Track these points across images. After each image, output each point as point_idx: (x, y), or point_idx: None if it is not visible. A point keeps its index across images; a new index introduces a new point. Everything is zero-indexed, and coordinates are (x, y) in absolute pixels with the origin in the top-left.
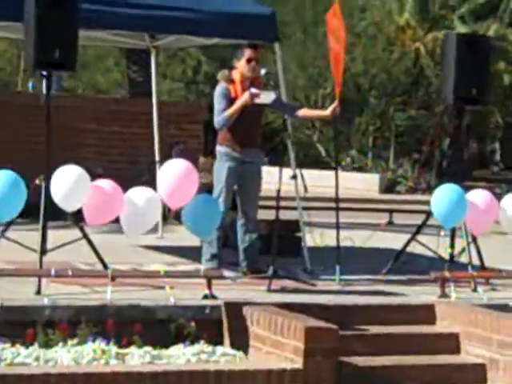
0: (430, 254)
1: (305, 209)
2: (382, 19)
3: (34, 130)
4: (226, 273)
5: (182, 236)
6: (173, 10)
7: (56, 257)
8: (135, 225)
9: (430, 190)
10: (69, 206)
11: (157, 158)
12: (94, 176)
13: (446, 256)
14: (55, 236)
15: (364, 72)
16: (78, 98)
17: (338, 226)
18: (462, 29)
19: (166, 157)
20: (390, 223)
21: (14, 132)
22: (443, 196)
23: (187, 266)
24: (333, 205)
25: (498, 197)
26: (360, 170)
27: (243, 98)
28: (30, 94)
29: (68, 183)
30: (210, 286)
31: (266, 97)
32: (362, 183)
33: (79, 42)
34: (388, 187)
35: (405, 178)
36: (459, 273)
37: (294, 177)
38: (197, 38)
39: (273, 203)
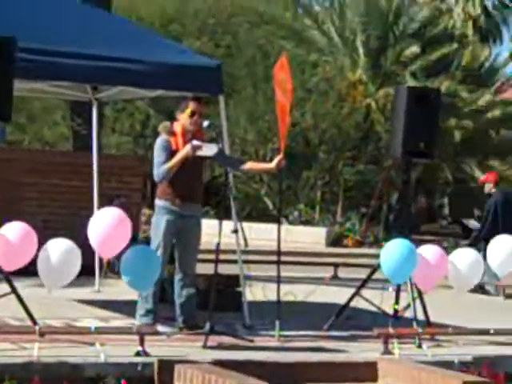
0: (374, 309)
1: (246, 262)
2: (333, 75)
3: None
4: (161, 328)
5: (120, 290)
6: (115, 61)
7: None
8: (52, 277)
9: (377, 243)
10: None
11: (95, 210)
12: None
13: (391, 311)
14: None
15: (314, 126)
16: (17, 151)
17: (278, 280)
18: (413, 84)
19: None
20: (335, 277)
21: None
22: (393, 251)
23: (122, 321)
24: (275, 258)
25: (446, 250)
26: (307, 223)
27: (184, 151)
28: None
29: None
30: (142, 342)
31: (208, 149)
32: (310, 237)
33: (19, 93)
34: (335, 241)
35: (352, 232)
36: (403, 329)
37: (235, 231)
38: (140, 89)
39: (213, 256)
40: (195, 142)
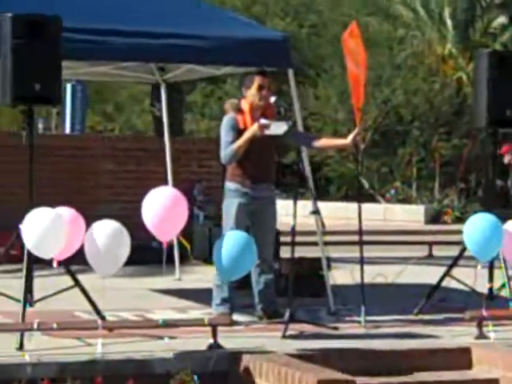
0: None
1: (329, 244)
2: (422, 50)
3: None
4: (240, 317)
5: (201, 277)
6: (178, 38)
7: (56, 305)
8: (103, 263)
9: None
10: (42, 253)
11: None
12: None
13: (485, 291)
14: (52, 282)
15: (406, 103)
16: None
17: (361, 261)
18: None
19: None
20: (430, 256)
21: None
22: (475, 226)
23: (200, 311)
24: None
25: None
26: (405, 201)
27: (252, 130)
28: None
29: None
30: (215, 334)
31: (277, 128)
32: (408, 215)
33: (83, 78)
34: (434, 218)
35: (451, 208)
36: (498, 311)
37: (315, 212)
38: (206, 68)
39: (298, 239)
40: (263, 121)
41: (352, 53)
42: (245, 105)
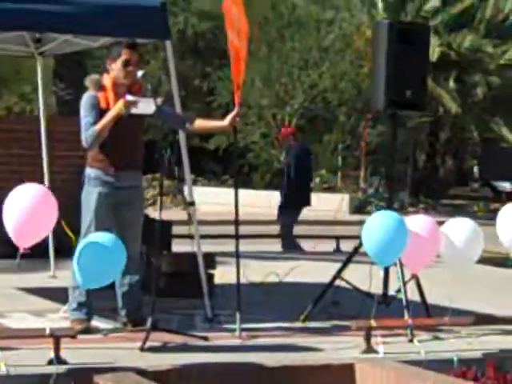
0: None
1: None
2: (351, 32)
3: None
4: (101, 323)
5: None
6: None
7: None
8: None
9: (403, 209)
10: None
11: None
12: None
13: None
14: None
15: (332, 88)
16: None
17: (237, 256)
18: (434, 40)
19: None
20: (337, 251)
21: None
22: (377, 226)
23: (62, 314)
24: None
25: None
26: (329, 190)
27: (116, 107)
28: None
29: None
30: (57, 347)
31: (145, 106)
32: (332, 204)
33: None
34: (358, 207)
35: (377, 198)
36: (389, 320)
37: (191, 203)
38: (82, 39)
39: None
40: (129, 97)
41: (233, 23)
42: (107, 80)
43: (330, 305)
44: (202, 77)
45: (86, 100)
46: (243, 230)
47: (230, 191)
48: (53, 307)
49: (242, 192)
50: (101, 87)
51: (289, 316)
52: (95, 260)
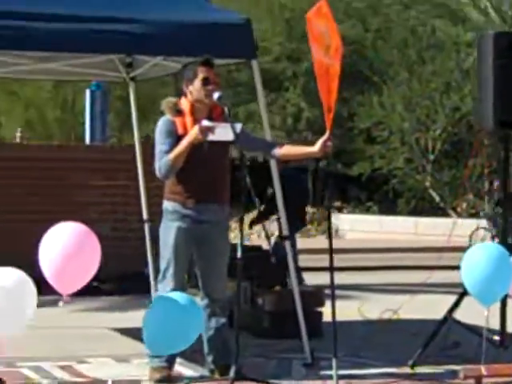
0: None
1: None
2: None
3: None
4: (186, 370)
5: None
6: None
7: None
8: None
9: None
10: None
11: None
12: None
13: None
14: None
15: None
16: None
17: (333, 293)
18: None
19: None
20: None
21: None
22: (475, 262)
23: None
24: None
25: None
26: (477, 215)
27: (191, 134)
28: None
29: None
30: None
31: (224, 132)
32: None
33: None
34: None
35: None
36: (503, 366)
37: (286, 238)
38: (171, 62)
39: None
40: (205, 123)
41: (319, 38)
42: (185, 104)
43: (451, 345)
44: (342, 102)
45: (161, 125)
46: (385, 257)
47: (375, 218)
48: (141, 350)
49: (386, 219)
50: (178, 112)
51: (400, 358)
52: (167, 323)
